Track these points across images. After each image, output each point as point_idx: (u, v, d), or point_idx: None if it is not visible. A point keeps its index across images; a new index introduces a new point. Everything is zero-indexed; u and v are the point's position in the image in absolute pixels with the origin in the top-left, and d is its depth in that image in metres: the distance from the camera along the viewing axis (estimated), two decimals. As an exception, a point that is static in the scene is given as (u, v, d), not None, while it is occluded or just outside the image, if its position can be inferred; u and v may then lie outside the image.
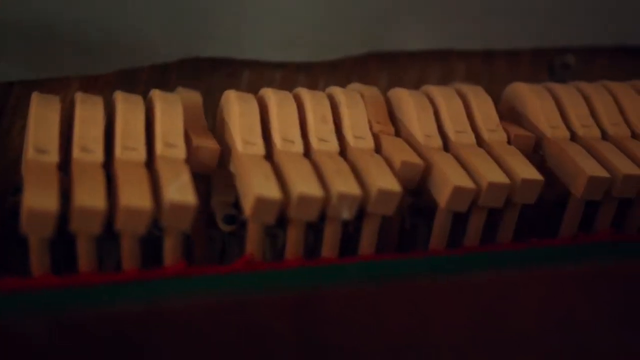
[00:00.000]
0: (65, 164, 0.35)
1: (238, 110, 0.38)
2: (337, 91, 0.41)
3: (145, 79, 0.46)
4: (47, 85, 0.44)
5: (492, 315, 0.34)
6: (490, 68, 0.52)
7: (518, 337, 0.35)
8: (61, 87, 0.44)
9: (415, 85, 0.50)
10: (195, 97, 0.40)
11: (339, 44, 0.48)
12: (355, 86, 0.43)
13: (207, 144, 0.37)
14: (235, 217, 0.39)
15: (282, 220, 0.36)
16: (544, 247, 0.38)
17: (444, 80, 0.51)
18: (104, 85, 0.45)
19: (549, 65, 0.52)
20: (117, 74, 0.45)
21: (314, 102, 0.40)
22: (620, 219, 0.40)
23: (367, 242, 0.37)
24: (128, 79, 0.45)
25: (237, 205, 0.38)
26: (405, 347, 0.33)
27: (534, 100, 0.42)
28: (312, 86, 0.48)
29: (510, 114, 0.43)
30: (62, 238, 0.34)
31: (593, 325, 0.36)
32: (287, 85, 0.48)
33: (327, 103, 0.40)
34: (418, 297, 0.34)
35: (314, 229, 0.40)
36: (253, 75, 0.48)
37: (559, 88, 0.44)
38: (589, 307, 0.36)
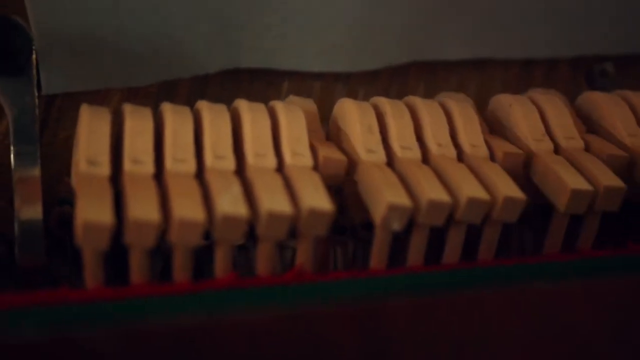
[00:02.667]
0: (115, 176, 0.35)
1: (285, 121, 0.38)
2: (382, 101, 0.41)
3: (185, 90, 0.46)
4: (88, 97, 0.44)
5: (552, 325, 0.34)
6: (529, 77, 0.51)
7: (578, 346, 0.35)
8: (102, 98, 0.44)
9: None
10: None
11: (379, 54, 0.47)
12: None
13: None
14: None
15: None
16: (593, 257, 0.38)
17: (482, 89, 0.51)
18: (145, 97, 0.45)
19: (588, 73, 0.52)
20: (158, 85, 0.45)
21: (360, 113, 0.39)
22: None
23: (415, 253, 0.37)
24: (169, 90, 0.45)
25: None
26: (467, 357, 0.33)
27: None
28: (351, 96, 0.48)
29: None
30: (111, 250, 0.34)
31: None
32: (326, 95, 0.48)
33: (372, 113, 0.40)
34: (467, 309, 0.33)
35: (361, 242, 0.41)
36: (292, 85, 0.48)
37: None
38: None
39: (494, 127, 0.43)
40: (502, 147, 0.40)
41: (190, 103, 0.40)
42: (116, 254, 0.34)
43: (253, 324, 0.30)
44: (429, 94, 0.49)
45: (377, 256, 0.37)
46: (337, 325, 0.31)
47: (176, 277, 0.34)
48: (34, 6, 0.39)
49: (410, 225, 0.36)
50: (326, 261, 0.41)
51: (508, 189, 0.36)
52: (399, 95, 0.45)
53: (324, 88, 0.48)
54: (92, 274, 0.33)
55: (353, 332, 0.31)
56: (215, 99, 0.45)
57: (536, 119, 0.41)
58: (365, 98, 0.44)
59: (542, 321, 0.34)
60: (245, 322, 0.30)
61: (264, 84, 0.47)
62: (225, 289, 0.34)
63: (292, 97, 0.43)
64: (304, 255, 0.36)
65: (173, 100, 0.45)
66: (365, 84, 0.49)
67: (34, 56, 0.39)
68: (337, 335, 0.31)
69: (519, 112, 0.41)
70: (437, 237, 0.38)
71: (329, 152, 0.38)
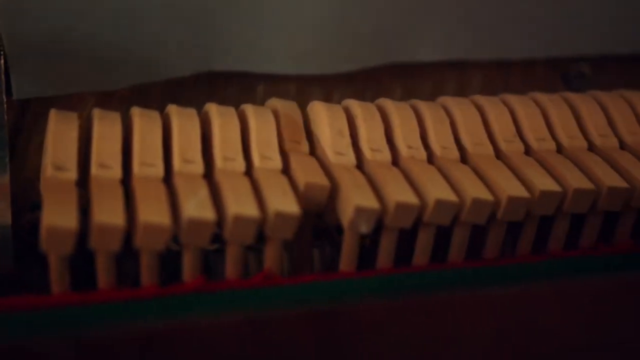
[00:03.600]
0: (83, 181, 0.35)
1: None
2: (353, 104, 0.41)
3: (160, 94, 0.46)
4: (63, 102, 0.44)
5: (513, 329, 0.34)
6: (506, 78, 0.52)
7: (538, 351, 0.35)
8: (77, 103, 0.44)
9: (430, 97, 0.50)
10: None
11: (354, 56, 0.48)
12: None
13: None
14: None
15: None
16: (564, 258, 0.38)
17: (460, 90, 0.51)
18: (119, 101, 0.45)
19: (564, 74, 0.52)
20: (132, 89, 0.45)
21: (330, 116, 0.39)
22: None
23: (384, 255, 0.37)
24: (143, 94, 0.46)
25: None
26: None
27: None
28: (327, 99, 0.48)
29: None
30: (82, 254, 0.34)
31: (623, 343, 0.36)
32: (301, 98, 0.48)
33: (343, 116, 0.40)
34: (438, 311, 0.33)
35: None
36: (267, 88, 0.48)
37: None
38: (613, 320, 0.36)
39: None
40: (472, 148, 0.40)
41: (164, 107, 0.40)
42: (87, 259, 0.34)
43: (215, 328, 0.30)
44: (405, 96, 0.49)
45: (347, 258, 0.37)
46: (302, 327, 0.31)
47: (143, 282, 0.34)
48: (3, 11, 0.39)
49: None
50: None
51: (477, 190, 0.36)
52: (375, 98, 0.45)
53: (299, 91, 0.48)
54: (57, 279, 0.33)
55: (314, 335, 0.31)
56: (190, 102, 0.45)
57: (507, 120, 0.41)
58: (341, 100, 0.44)
59: (513, 323, 0.34)
60: (206, 327, 0.30)
61: (238, 87, 0.47)
62: (192, 293, 0.34)
63: (273, 100, 0.42)
64: (272, 258, 0.36)
65: (148, 103, 0.45)
66: (341, 86, 0.49)
67: (2, 61, 0.39)
68: (302, 338, 0.31)
69: (491, 114, 0.41)
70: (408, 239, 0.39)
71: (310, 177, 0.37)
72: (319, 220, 0.42)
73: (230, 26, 0.45)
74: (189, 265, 0.35)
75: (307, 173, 0.36)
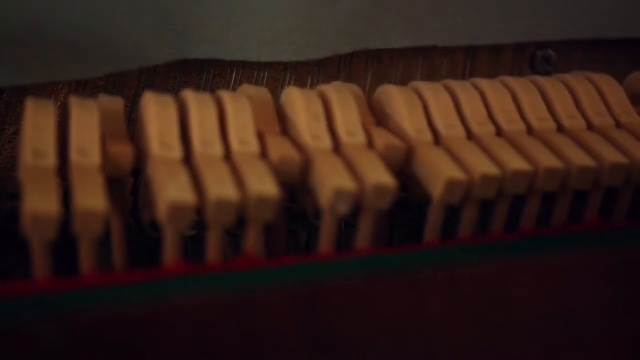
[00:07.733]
0: (61, 168, 0.36)
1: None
2: (328, 89, 0.41)
3: (134, 82, 0.46)
4: (36, 91, 0.44)
5: (491, 306, 0.35)
6: (473, 63, 0.53)
7: (516, 328, 0.36)
8: (50, 91, 0.44)
9: (402, 82, 0.50)
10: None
11: (325, 43, 0.48)
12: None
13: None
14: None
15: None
16: (537, 236, 0.39)
17: (429, 76, 0.51)
18: (93, 89, 0.45)
19: (531, 59, 0.53)
20: (106, 78, 0.45)
21: (306, 101, 0.40)
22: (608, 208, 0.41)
23: (363, 237, 0.38)
24: (117, 82, 0.46)
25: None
26: (410, 339, 0.34)
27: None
28: (301, 85, 0.49)
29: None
30: (63, 240, 0.34)
31: (591, 315, 0.37)
32: (275, 85, 0.49)
33: (318, 101, 0.40)
34: (420, 290, 0.34)
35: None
36: (241, 75, 0.48)
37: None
38: (587, 296, 0.37)
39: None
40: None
41: (139, 95, 0.41)
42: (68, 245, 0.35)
43: (196, 310, 0.31)
44: (376, 82, 0.50)
45: (326, 241, 0.37)
46: (279, 309, 0.32)
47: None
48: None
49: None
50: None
51: (451, 172, 0.37)
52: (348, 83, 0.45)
53: (272, 78, 0.49)
54: (40, 265, 0.33)
55: (295, 315, 0.32)
56: (164, 90, 0.45)
57: (479, 103, 0.42)
58: (314, 87, 0.44)
59: (478, 302, 0.35)
60: (188, 309, 0.30)
61: (212, 74, 0.48)
62: (174, 277, 0.34)
63: (245, 87, 0.43)
64: (252, 241, 0.36)
65: (122, 92, 0.46)
66: (314, 73, 0.49)
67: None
68: (284, 320, 0.32)
69: (462, 97, 0.42)
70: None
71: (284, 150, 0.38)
72: (295, 204, 0.42)
73: (202, 14, 0.45)
74: (170, 249, 0.35)
75: (281, 148, 0.37)
